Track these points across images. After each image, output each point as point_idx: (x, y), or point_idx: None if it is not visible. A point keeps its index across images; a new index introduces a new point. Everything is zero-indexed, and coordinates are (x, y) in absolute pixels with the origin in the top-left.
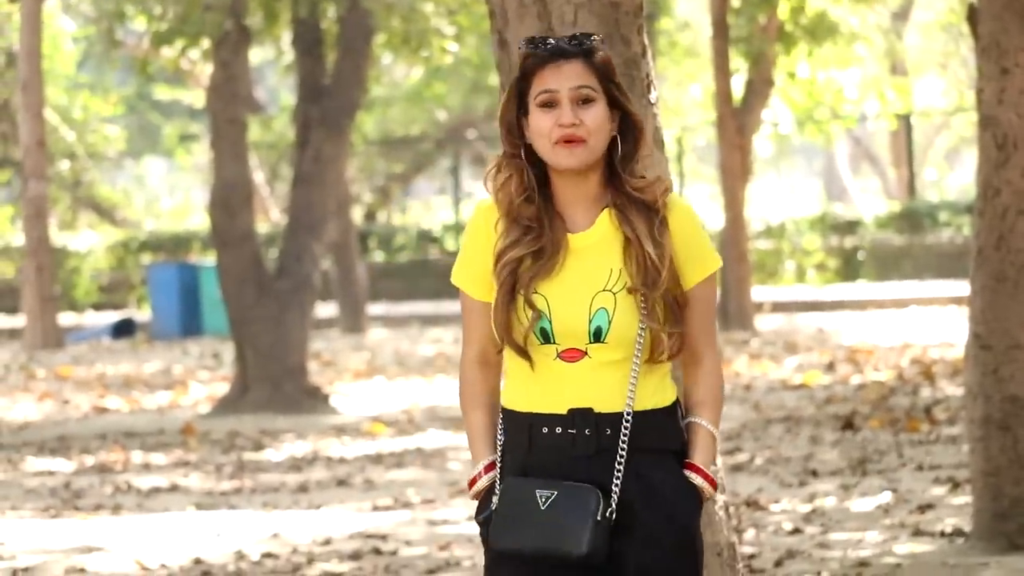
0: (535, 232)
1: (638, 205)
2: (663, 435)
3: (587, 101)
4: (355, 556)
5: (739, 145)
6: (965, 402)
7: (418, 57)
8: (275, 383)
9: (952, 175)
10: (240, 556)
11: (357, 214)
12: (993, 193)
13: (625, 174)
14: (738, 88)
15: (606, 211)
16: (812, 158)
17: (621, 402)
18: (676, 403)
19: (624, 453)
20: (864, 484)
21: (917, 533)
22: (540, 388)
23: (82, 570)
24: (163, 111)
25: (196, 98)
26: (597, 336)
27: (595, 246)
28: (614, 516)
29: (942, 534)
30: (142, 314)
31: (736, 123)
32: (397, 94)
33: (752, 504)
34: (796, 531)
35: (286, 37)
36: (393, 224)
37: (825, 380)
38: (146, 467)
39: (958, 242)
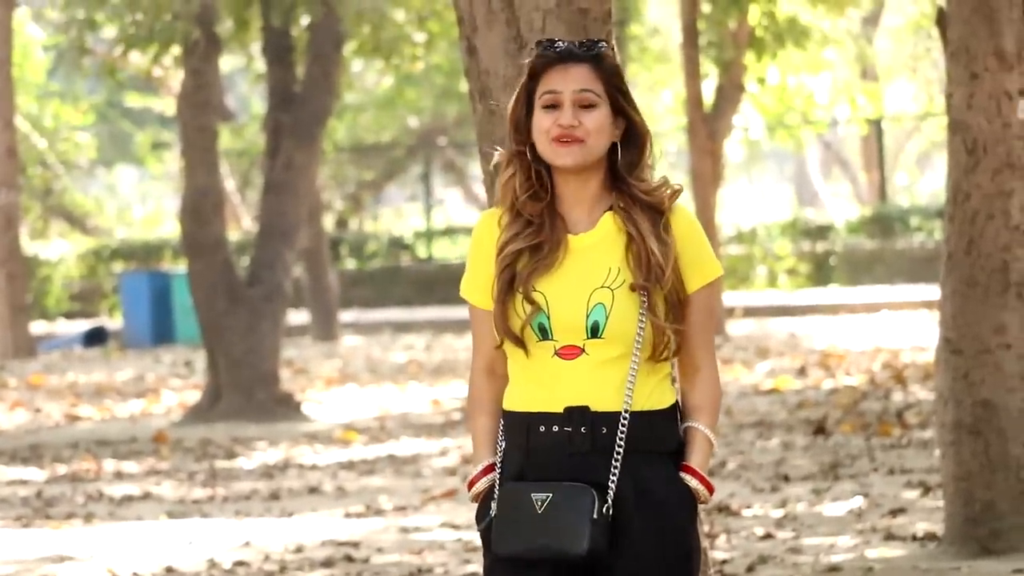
0: (535, 227)
1: (643, 206)
2: (660, 437)
3: (589, 105)
4: (327, 563)
5: (710, 150)
6: (936, 406)
7: (389, 64)
8: (247, 391)
9: (923, 180)
10: (212, 564)
11: (329, 221)
12: (963, 198)
13: (631, 179)
14: (709, 94)
15: (609, 213)
16: (783, 163)
17: (619, 401)
18: (675, 406)
19: (620, 452)
20: (836, 489)
21: (889, 537)
22: (538, 387)
23: None
24: (134, 119)
25: (167, 106)
26: (595, 331)
27: (596, 246)
28: (611, 513)
29: (914, 538)
30: (114, 322)
31: (707, 129)
32: (368, 101)
33: (724, 509)
34: (768, 536)
35: (256, 45)
36: (365, 231)
37: (797, 385)
38: (118, 475)
39: (929, 247)
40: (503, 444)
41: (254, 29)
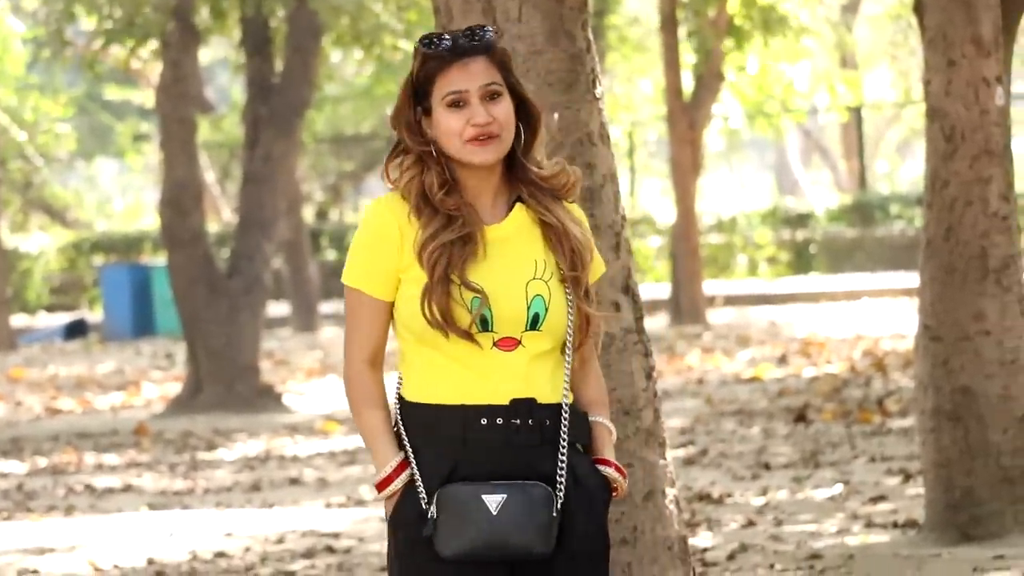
0: (459, 220)
1: (547, 193)
2: (582, 429)
3: (495, 96)
4: (308, 554)
5: (690, 140)
6: (916, 394)
7: (368, 54)
8: (228, 383)
9: (903, 167)
10: (193, 556)
11: (308, 213)
12: (941, 185)
13: (529, 164)
14: (688, 83)
15: (519, 204)
16: (763, 152)
17: (557, 393)
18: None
19: (565, 445)
20: (817, 476)
21: (870, 524)
22: (476, 378)
23: (35, 571)
24: (114, 112)
25: (147, 98)
26: (534, 323)
27: (512, 238)
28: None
29: (894, 525)
30: (94, 315)
31: (687, 118)
32: (347, 92)
33: (705, 498)
34: (749, 524)
35: (235, 36)
36: (345, 222)
37: (777, 373)
38: (99, 468)
39: (910, 234)
40: (412, 440)
41: (232, 20)
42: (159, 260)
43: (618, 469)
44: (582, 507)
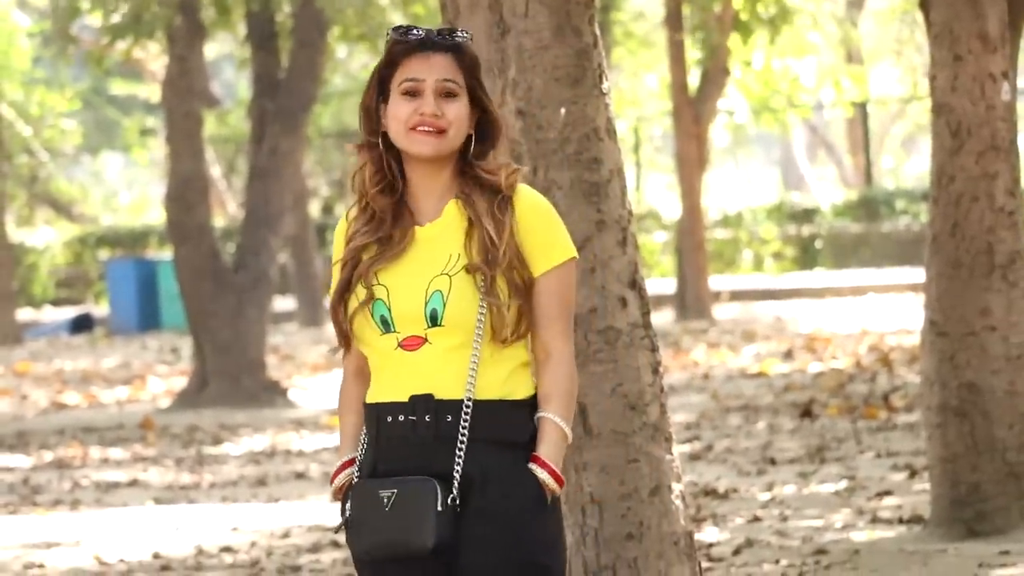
0: (381, 221)
1: (484, 189)
2: (507, 427)
3: (450, 95)
4: (314, 549)
5: (695, 135)
6: (922, 389)
7: (374, 49)
8: (233, 377)
9: (909, 163)
10: (199, 550)
11: (314, 208)
12: (947, 180)
13: (478, 164)
14: (694, 78)
15: (453, 200)
16: (769, 147)
17: (462, 389)
18: (532, 398)
19: (464, 440)
20: (822, 471)
21: (875, 520)
22: (384, 378)
23: (41, 565)
24: (120, 106)
25: (153, 93)
26: (434, 320)
27: (439, 235)
28: (457, 503)
29: (900, 521)
30: (100, 309)
31: (692, 113)
32: (353, 87)
33: (710, 493)
34: (755, 519)
35: (241, 31)
36: None
37: (783, 368)
38: (105, 462)
39: (915, 229)
40: (363, 439)
41: (237, 15)
42: (165, 254)
43: (549, 470)
44: (490, 506)
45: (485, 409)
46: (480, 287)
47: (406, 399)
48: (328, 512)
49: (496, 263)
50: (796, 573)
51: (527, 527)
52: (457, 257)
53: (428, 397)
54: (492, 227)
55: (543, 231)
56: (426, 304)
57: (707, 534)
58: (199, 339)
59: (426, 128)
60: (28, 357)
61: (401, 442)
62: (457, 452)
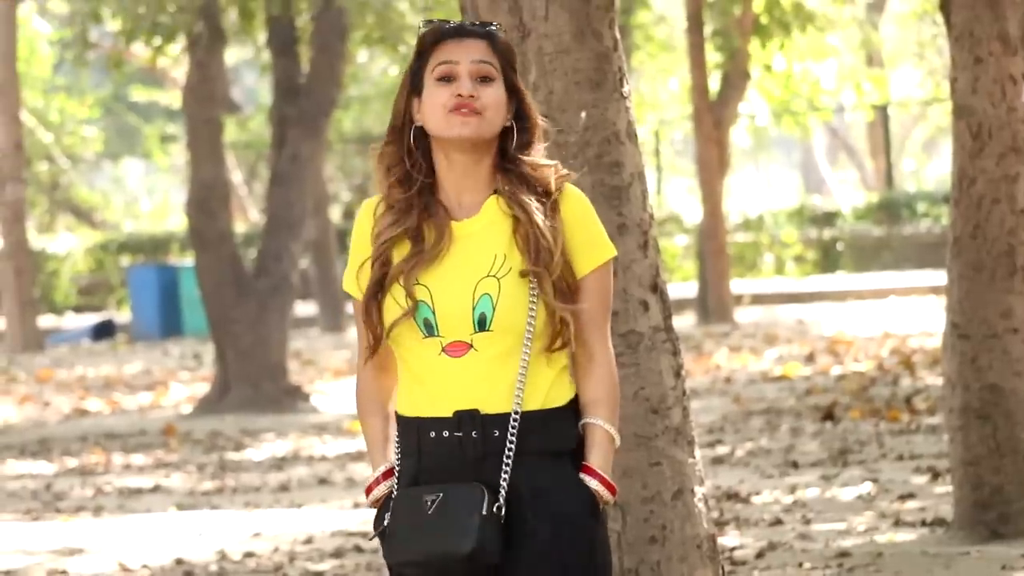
0: (409, 214)
1: (529, 188)
2: (556, 436)
3: (486, 79)
4: (337, 554)
5: (716, 138)
6: (944, 391)
7: (394, 54)
8: (255, 383)
9: (930, 165)
10: (222, 556)
11: (335, 213)
12: (968, 183)
13: (523, 159)
14: (714, 81)
15: (493, 197)
16: (790, 150)
17: (509, 401)
18: (573, 402)
19: (511, 454)
20: (845, 475)
21: (898, 523)
22: (425, 390)
23: (64, 572)
24: (140, 112)
25: (173, 99)
26: (482, 324)
27: (480, 232)
28: (503, 512)
29: (923, 523)
30: (122, 316)
31: (713, 116)
32: (374, 92)
33: (733, 496)
34: (777, 522)
35: (262, 37)
36: None
37: (805, 371)
38: (127, 468)
39: (936, 232)
40: (398, 449)
41: (258, 21)
42: (186, 261)
43: (600, 478)
44: (543, 520)
45: (532, 420)
46: (532, 291)
47: (450, 414)
48: (351, 517)
49: (549, 268)
50: None
51: (581, 540)
52: (503, 258)
53: (474, 413)
54: (548, 231)
55: (588, 230)
56: (474, 308)
57: (729, 538)
58: (221, 345)
59: (465, 110)
60: (50, 364)
61: (447, 459)
62: (504, 464)
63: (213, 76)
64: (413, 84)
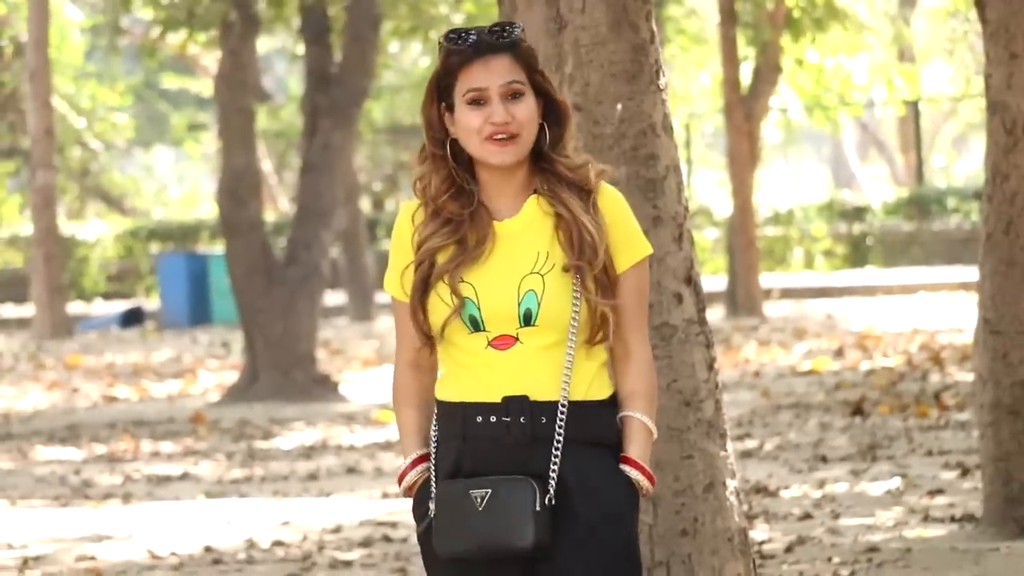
0: (456, 223)
1: (568, 185)
2: (599, 427)
3: (516, 95)
4: (365, 543)
5: (747, 132)
6: (974, 387)
7: (426, 44)
8: (284, 371)
9: (960, 161)
10: (250, 544)
11: (366, 203)
12: (1002, 178)
13: (558, 157)
14: (746, 75)
15: (533, 196)
16: (820, 145)
17: (556, 390)
18: (613, 397)
19: (560, 442)
20: (874, 470)
21: (927, 518)
22: (473, 377)
23: (92, 558)
24: (171, 100)
25: (204, 87)
26: (527, 319)
27: (522, 231)
28: (553, 503)
29: (952, 519)
30: (151, 303)
31: (744, 110)
32: (405, 82)
33: (762, 490)
34: (806, 517)
35: (294, 25)
36: None
37: (834, 366)
38: (156, 455)
39: (966, 228)
40: (436, 436)
41: (291, 9)
42: (216, 248)
43: (640, 468)
44: (588, 506)
45: (578, 410)
46: (575, 287)
47: (498, 400)
48: (379, 507)
49: (593, 264)
50: (848, 571)
51: (623, 528)
52: (546, 256)
53: (523, 399)
54: (592, 226)
55: (624, 228)
56: (519, 304)
57: (758, 531)
58: (250, 333)
59: (500, 136)
60: (79, 350)
61: (491, 443)
62: (553, 453)
63: (245, 64)
64: (443, 98)
